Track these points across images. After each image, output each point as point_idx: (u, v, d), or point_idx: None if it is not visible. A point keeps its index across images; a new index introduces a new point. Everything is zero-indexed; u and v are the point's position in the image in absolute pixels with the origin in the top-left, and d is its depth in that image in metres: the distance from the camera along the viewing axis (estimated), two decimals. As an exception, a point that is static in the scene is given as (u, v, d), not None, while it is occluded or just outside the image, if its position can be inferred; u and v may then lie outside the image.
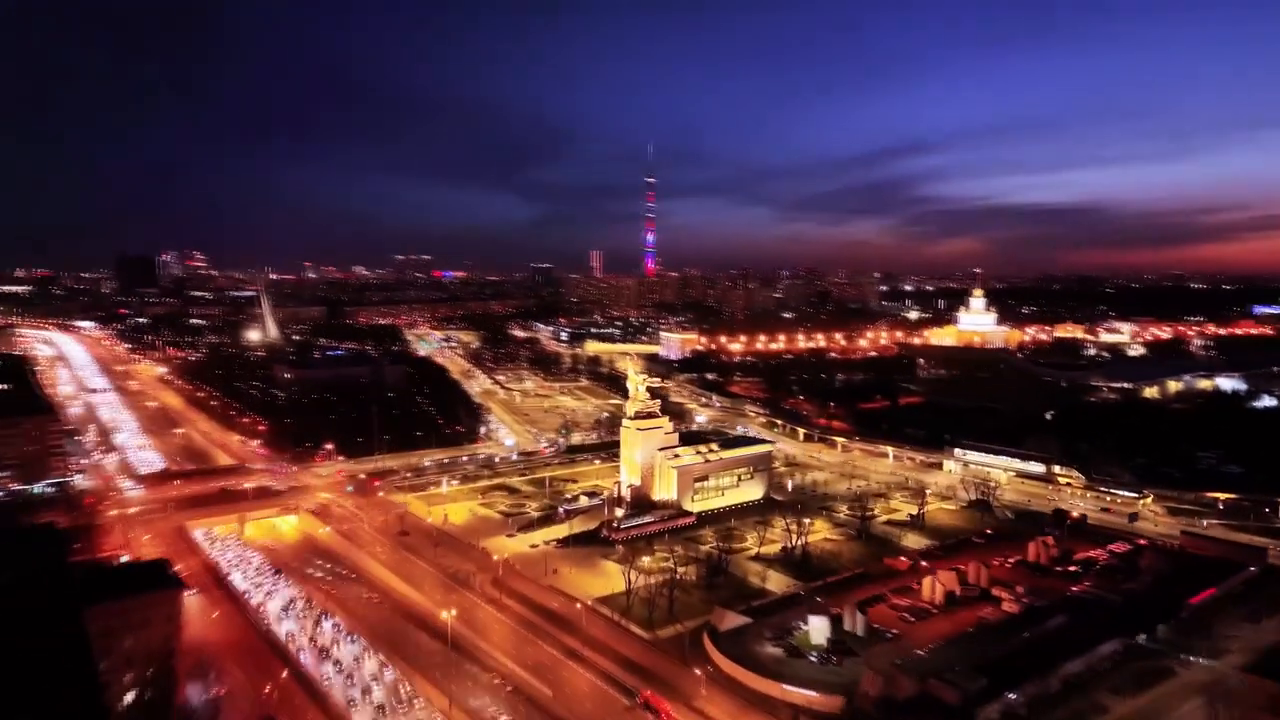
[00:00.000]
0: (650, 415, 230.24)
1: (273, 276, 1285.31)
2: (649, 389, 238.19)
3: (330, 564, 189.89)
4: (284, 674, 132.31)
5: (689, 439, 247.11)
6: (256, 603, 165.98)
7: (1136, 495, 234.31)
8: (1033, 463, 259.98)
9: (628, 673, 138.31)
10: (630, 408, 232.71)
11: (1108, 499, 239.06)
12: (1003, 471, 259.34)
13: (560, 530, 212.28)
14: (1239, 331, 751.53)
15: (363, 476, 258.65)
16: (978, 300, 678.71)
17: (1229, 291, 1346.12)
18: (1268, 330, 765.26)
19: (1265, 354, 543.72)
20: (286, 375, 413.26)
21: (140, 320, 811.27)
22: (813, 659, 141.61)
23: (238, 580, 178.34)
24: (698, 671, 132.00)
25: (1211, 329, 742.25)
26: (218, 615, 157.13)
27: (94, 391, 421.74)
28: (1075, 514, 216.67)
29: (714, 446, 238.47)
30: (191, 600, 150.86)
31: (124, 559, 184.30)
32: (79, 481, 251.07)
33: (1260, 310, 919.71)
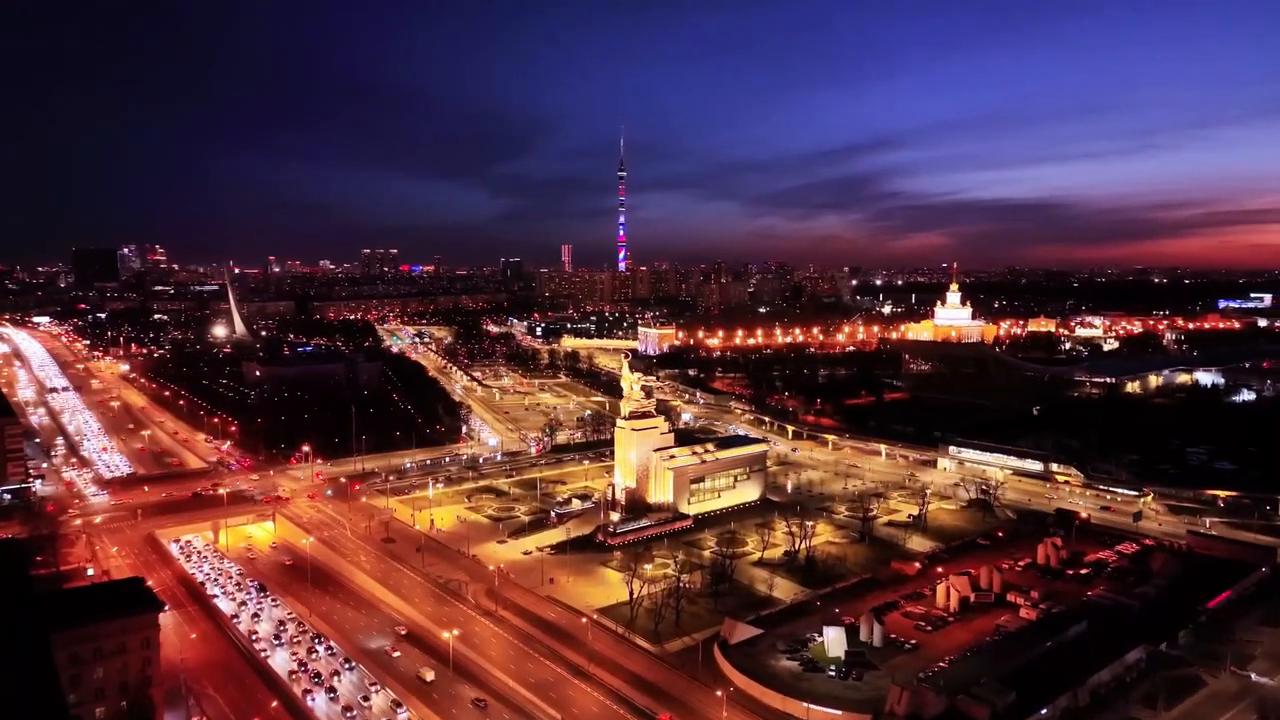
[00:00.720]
0: (645, 415, 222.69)
1: (236, 270, 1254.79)
2: (643, 388, 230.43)
3: (313, 575, 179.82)
4: (274, 704, 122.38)
5: (684, 439, 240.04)
6: (239, 621, 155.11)
7: (1136, 493, 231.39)
8: (1030, 460, 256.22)
9: (638, 691, 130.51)
10: (625, 407, 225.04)
11: (1107, 497, 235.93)
12: (999, 470, 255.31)
13: (553, 535, 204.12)
14: (1207, 326, 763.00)
15: (343, 480, 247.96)
16: (954, 295, 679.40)
17: (1190, 286, 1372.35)
18: (1234, 324, 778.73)
19: (1234, 348, 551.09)
20: (257, 373, 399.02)
21: (100, 315, 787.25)
22: (831, 673, 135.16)
23: (217, 596, 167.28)
24: (719, 693, 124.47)
25: (1180, 323, 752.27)
26: (196, 635, 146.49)
27: (54, 391, 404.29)
28: (1083, 514, 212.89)
29: (710, 447, 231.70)
30: (166, 618, 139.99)
31: (90, 572, 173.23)
32: (39, 488, 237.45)
33: (1224, 305, 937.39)
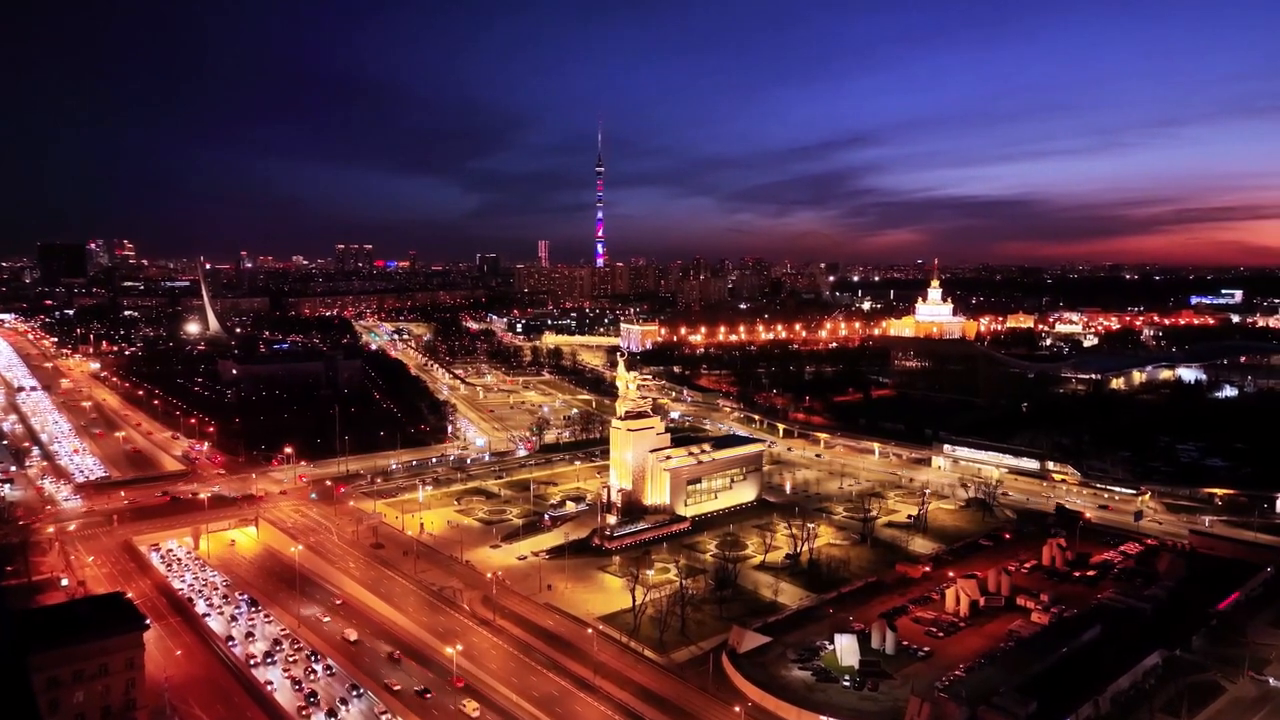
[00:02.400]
0: (641, 415, 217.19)
1: (207, 266, 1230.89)
2: (639, 387, 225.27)
3: (301, 583, 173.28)
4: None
5: (680, 439, 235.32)
6: (233, 643, 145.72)
7: (1134, 492, 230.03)
8: (1025, 459, 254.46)
9: (648, 705, 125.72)
10: (620, 407, 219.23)
11: (1105, 496, 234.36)
12: (995, 468, 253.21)
13: (548, 539, 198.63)
14: (1181, 322, 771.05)
15: (328, 482, 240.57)
16: (935, 291, 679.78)
17: (1160, 282, 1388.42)
18: (1208, 320, 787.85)
19: (1212, 344, 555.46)
20: (233, 371, 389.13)
21: (68, 312, 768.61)
22: (846, 683, 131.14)
23: (207, 614, 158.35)
24: (737, 709, 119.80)
25: (1156, 319, 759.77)
26: (181, 652, 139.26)
27: (22, 390, 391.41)
28: (1087, 514, 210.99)
29: (706, 447, 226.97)
30: (148, 633, 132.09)
31: (64, 583, 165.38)
32: (8, 492, 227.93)
33: (1197, 301, 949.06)
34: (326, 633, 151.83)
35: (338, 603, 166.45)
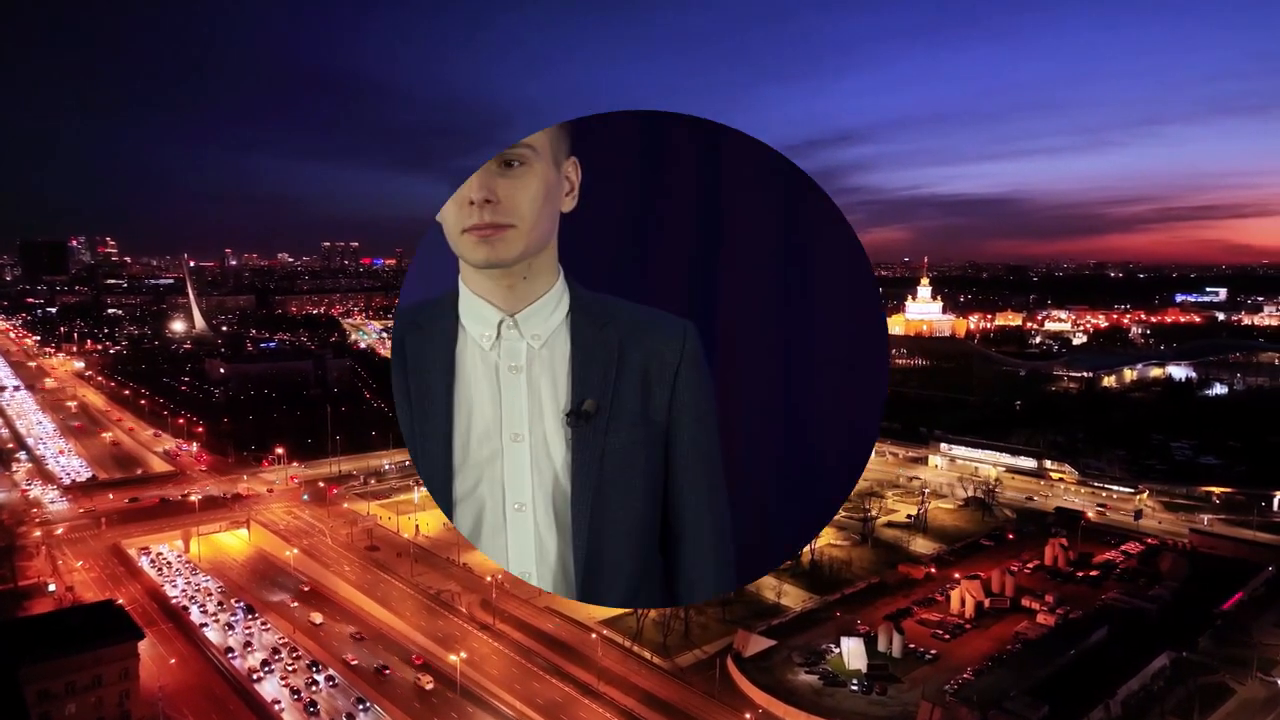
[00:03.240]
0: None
1: (192, 263, 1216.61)
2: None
3: (295, 587, 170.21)
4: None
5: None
6: (233, 654, 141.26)
7: (1132, 490, 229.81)
8: (1023, 457, 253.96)
9: (653, 710, 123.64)
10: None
11: (1103, 495, 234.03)
12: (993, 467, 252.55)
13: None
14: (1168, 320, 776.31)
15: (321, 483, 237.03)
16: (924, 289, 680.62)
17: (1145, 280, 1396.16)
18: (1194, 318, 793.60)
19: (1200, 342, 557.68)
20: (221, 370, 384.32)
21: (50, 310, 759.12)
22: (853, 687, 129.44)
23: (196, 615, 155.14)
24: (748, 716, 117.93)
25: (1142, 317, 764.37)
26: (174, 661, 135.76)
27: (4, 390, 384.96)
28: (1089, 514, 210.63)
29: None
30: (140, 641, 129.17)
31: (51, 588, 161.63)
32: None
33: (1182, 299, 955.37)
34: (299, 621, 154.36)
35: (305, 589, 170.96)
